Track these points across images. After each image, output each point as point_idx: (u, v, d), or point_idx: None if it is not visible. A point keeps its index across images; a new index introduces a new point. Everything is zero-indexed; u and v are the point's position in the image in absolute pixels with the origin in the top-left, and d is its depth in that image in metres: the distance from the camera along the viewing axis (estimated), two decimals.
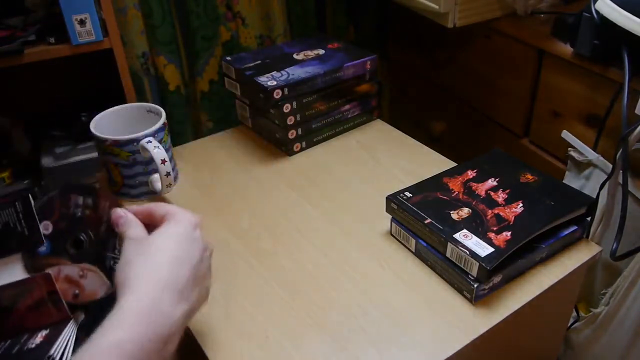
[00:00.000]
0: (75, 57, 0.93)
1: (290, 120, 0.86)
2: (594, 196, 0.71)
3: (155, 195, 0.78)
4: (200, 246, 0.47)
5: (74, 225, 0.48)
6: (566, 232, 0.65)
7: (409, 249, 0.68)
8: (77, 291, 0.51)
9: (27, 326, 0.49)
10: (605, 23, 0.76)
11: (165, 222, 0.47)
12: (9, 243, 0.40)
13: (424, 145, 0.89)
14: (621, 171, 0.77)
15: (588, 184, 0.91)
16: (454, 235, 0.61)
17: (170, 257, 0.43)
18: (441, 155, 0.86)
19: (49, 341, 0.46)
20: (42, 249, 0.48)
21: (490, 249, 0.58)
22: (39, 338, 0.47)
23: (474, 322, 0.58)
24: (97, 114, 0.79)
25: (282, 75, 0.86)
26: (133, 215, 0.48)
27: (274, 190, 0.81)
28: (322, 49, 0.95)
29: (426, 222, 0.63)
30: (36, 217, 0.45)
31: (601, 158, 0.87)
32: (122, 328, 0.38)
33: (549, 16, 0.99)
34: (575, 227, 0.66)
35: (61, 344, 0.46)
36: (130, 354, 0.37)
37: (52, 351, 0.45)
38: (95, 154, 0.96)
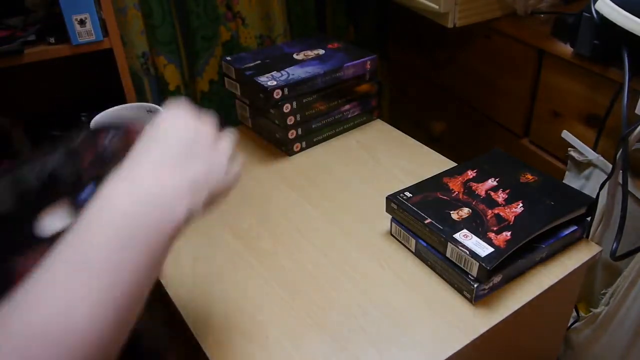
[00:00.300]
0: (75, 57, 0.93)
1: (290, 120, 0.86)
2: (594, 196, 0.71)
3: None
4: (187, 124, 0.45)
5: (109, 165, 0.47)
6: (566, 232, 0.65)
7: (409, 249, 0.68)
8: None
9: None
10: (605, 23, 0.76)
11: None
12: (57, 190, 0.39)
13: (424, 145, 0.89)
14: (621, 171, 0.77)
15: (588, 184, 0.91)
16: (454, 235, 0.61)
17: (147, 141, 0.43)
18: (441, 155, 0.86)
19: None
20: (83, 196, 0.47)
21: (490, 249, 0.58)
22: None
23: (474, 322, 0.58)
24: (97, 114, 0.79)
25: (282, 75, 0.86)
26: None
27: (274, 190, 0.81)
28: (322, 49, 0.95)
29: (426, 222, 0.63)
30: (83, 162, 0.44)
31: (601, 158, 0.87)
32: (106, 199, 0.38)
33: (549, 16, 0.99)
34: (575, 227, 0.66)
35: None
36: (124, 220, 0.37)
37: None
38: None
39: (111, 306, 0.34)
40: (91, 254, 0.35)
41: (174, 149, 0.43)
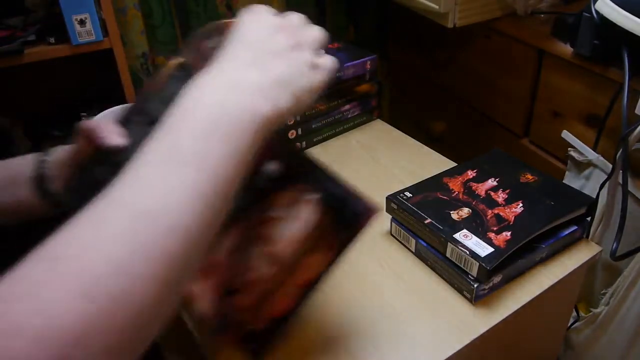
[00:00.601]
0: (75, 57, 0.93)
1: (290, 120, 0.86)
2: (594, 196, 0.71)
3: None
4: (267, 22, 0.45)
5: None
6: (566, 232, 0.65)
7: (409, 249, 0.68)
8: None
9: None
10: (605, 23, 0.76)
11: None
12: None
13: (424, 145, 0.89)
14: (621, 171, 0.77)
15: (588, 184, 0.91)
16: (454, 235, 0.61)
17: (229, 43, 0.43)
18: (441, 155, 0.86)
19: None
20: None
21: (490, 249, 0.58)
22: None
23: (474, 322, 0.58)
24: (97, 114, 0.79)
25: None
26: None
27: None
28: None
29: (426, 222, 0.63)
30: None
31: (601, 158, 0.87)
32: (190, 93, 0.39)
33: (549, 16, 0.99)
34: (575, 227, 0.66)
35: None
36: (207, 110, 0.37)
37: None
38: None
39: (197, 195, 0.34)
40: (175, 143, 0.35)
41: (254, 48, 0.42)
